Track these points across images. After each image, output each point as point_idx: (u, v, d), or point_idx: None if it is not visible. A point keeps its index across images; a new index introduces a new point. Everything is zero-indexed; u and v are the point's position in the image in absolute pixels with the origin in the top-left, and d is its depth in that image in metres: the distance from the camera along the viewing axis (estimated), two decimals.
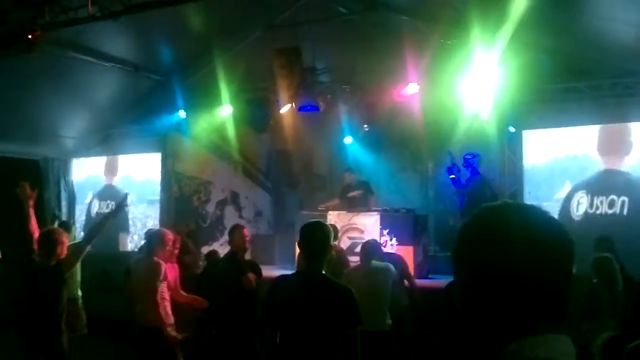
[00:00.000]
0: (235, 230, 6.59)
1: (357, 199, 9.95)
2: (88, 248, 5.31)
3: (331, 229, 3.68)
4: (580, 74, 8.27)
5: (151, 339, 5.29)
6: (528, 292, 1.09)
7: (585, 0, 6.65)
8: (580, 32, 7.44)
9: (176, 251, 6.02)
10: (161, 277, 5.33)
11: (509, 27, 7.09)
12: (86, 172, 12.09)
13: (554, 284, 1.11)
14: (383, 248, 7.47)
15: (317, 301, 3.31)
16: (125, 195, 6.43)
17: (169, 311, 5.42)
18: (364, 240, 9.03)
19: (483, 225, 1.17)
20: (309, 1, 9.10)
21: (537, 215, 1.17)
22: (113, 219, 6.03)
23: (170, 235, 5.67)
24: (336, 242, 8.02)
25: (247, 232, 6.63)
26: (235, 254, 6.48)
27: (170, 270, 5.67)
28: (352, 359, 3.34)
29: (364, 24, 8.79)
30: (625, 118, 8.23)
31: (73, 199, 12.03)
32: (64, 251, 5.01)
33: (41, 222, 10.73)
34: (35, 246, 5.04)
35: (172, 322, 5.42)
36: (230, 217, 11.70)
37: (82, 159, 12.03)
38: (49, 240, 4.99)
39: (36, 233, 5.16)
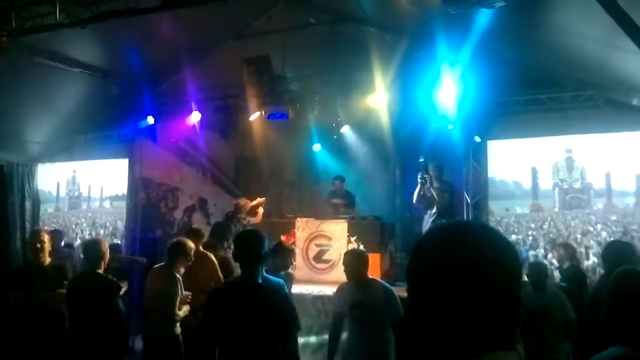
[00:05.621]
0: None
1: (338, 206, 10.07)
2: None
3: (266, 237, 3.51)
4: (542, 86, 8.47)
5: (164, 350, 5.25)
6: (476, 313, 1.10)
7: (548, 15, 6.81)
8: (543, 45, 7.59)
9: None
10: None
11: (473, 40, 7.25)
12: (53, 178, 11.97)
13: (502, 306, 1.12)
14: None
15: (255, 312, 3.21)
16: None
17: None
18: (332, 248, 9.22)
19: (435, 245, 1.18)
20: (279, 11, 9.17)
21: (489, 236, 1.18)
22: None
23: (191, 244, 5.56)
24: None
25: None
26: None
27: None
28: None
29: (333, 35, 8.88)
30: (586, 130, 8.47)
31: (38, 205, 11.86)
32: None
33: (5, 229, 10.79)
34: None
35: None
36: (198, 224, 11.65)
37: (47, 165, 11.89)
38: None
39: None
